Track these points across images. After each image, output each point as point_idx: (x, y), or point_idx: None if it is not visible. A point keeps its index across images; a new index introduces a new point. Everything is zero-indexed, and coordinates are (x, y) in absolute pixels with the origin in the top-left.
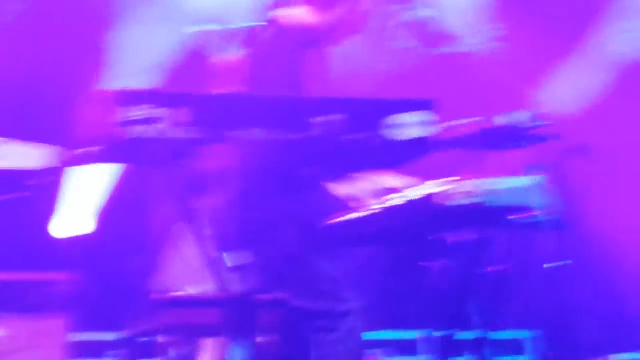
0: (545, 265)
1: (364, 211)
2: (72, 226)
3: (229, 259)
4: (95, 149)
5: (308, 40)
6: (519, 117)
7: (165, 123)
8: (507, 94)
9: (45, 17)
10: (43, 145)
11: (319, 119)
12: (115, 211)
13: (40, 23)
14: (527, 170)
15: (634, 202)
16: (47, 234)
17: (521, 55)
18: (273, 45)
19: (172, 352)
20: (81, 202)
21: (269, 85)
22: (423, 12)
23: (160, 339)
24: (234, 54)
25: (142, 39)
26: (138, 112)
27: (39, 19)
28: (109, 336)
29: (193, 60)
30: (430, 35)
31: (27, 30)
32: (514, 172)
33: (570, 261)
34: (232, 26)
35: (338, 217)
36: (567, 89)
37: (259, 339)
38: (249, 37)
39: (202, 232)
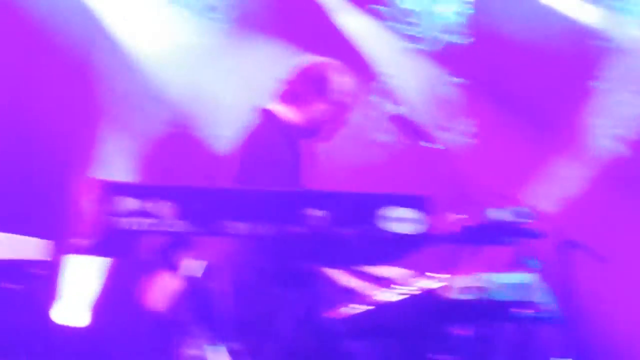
0: None
1: (365, 305)
2: (72, 316)
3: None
4: (88, 240)
5: (300, 134)
6: (510, 212)
7: (157, 216)
8: (491, 190)
9: (38, 105)
10: (40, 237)
11: (313, 212)
12: (108, 303)
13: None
14: (524, 265)
15: (628, 296)
16: (49, 323)
17: (501, 151)
18: (266, 138)
19: None
20: (78, 292)
21: (264, 178)
22: (400, 107)
23: None
24: (226, 146)
25: (131, 128)
26: (129, 204)
27: (32, 107)
28: None
29: (185, 152)
30: (410, 129)
31: (22, 118)
32: (511, 268)
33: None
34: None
35: (337, 311)
36: (551, 185)
37: None
38: (243, 131)
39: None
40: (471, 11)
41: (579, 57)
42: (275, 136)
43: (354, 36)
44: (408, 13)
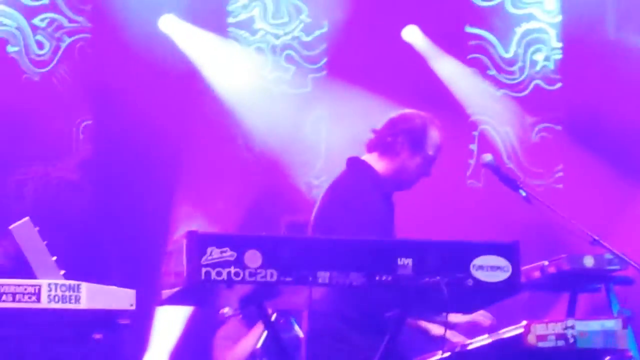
0: None
1: (455, 351)
2: None
3: None
4: (177, 290)
5: (392, 185)
6: (599, 259)
7: (246, 266)
8: (580, 236)
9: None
10: (130, 287)
11: (403, 261)
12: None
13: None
14: (614, 313)
15: None
16: None
17: (590, 196)
18: (359, 188)
19: None
20: (165, 342)
21: (357, 228)
22: (488, 157)
23: None
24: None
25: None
26: (216, 255)
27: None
28: None
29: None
30: (502, 176)
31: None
32: (600, 315)
33: None
34: None
35: (434, 355)
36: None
37: None
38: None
39: None
40: (560, 56)
41: None
42: (368, 186)
43: (448, 84)
44: (506, 61)
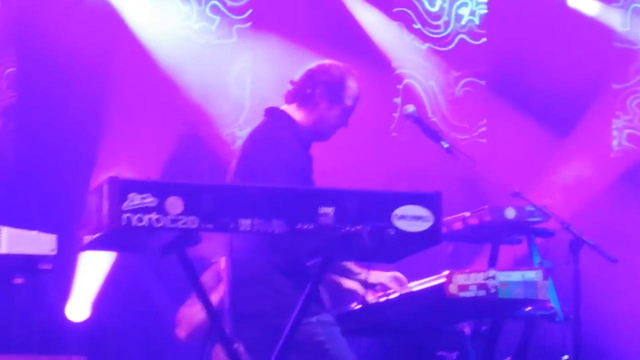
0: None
1: (376, 301)
2: (81, 310)
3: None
4: (98, 236)
5: (310, 135)
6: (521, 211)
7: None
8: (503, 189)
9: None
10: (51, 232)
11: (324, 209)
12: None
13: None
14: (535, 264)
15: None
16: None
17: (513, 150)
18: (278, 136)
19: None
20: (88, 287)
21: (275, 176)
22: (411, 108)
23: None
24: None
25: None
26: (137, 201)
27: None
28: None
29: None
30: (425, 128)
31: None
32: (521, 266)
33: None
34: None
35: (348, 307)
36: (563, 184)
37: None
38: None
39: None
40: (485, 11)
41: (595, 58)
42: (288, 134)
43: (373, 36)
44: (431, 15)
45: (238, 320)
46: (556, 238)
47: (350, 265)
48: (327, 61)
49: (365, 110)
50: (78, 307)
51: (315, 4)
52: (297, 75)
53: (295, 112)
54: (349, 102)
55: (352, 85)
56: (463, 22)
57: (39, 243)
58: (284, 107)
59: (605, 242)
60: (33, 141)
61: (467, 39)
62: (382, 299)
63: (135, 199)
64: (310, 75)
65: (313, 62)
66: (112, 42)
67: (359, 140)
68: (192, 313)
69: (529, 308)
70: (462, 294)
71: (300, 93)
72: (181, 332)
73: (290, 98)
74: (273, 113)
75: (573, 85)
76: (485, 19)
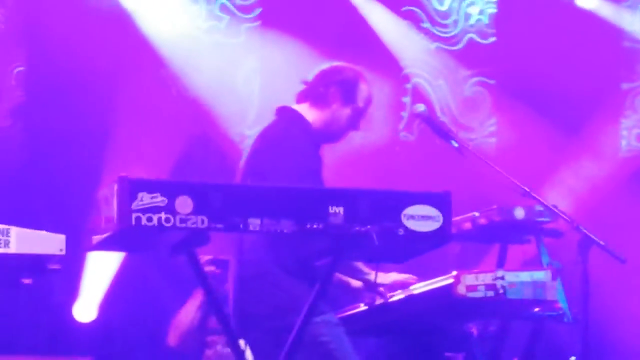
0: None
1: (384, 301)
2: (89, 311)
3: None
4: (107, 236)
5: (321, 135)
6: (531, 211)
7: (177, 212)
8: (512, 189)
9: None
10: (60, 232)
11: (334, 209)
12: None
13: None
14: (544, 264)
15: None
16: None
17: (523, 150)
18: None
19: None
20: (96, 288)
21: (285, 176)
22: (421, 107)
23: None
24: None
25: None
26: (147, 200)
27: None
28: None
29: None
30: (435, 128)
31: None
32: (530, 266)
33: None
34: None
35: (355, 307)
36: (573, 184)
37: None
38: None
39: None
40: (494, 10)
41: (604, 57)
42: (299, 134)
43: (381, 35)
44: (440, 14)
45: (243, 320)
46: (565, 238)
47: (359, 265)
48: (339, 63)
49: (373, 109)
50: (85, 308)
51: (323, 3)
52: (310, 75)
53: (307, 111)
54: (361, 104)
55: (364, 88)
56: (472, 21)
57: (48, 243)
58: (296, 106)
59: (614, 242)
60: (42, 140)
61: (476, 38)
62: (390, 300)
63: (144, 199)
64: (324, 75)
65: (326, 64)
66: (120, 42)
67: (367, 139)
68: (179, 320)
69: (538, 309)
70: (471, 295)
71: (313, 92)
72: (171, 340)
73: (303, 97)
74: (284, 112)
75: (582, 84)
76: (494, 18)
